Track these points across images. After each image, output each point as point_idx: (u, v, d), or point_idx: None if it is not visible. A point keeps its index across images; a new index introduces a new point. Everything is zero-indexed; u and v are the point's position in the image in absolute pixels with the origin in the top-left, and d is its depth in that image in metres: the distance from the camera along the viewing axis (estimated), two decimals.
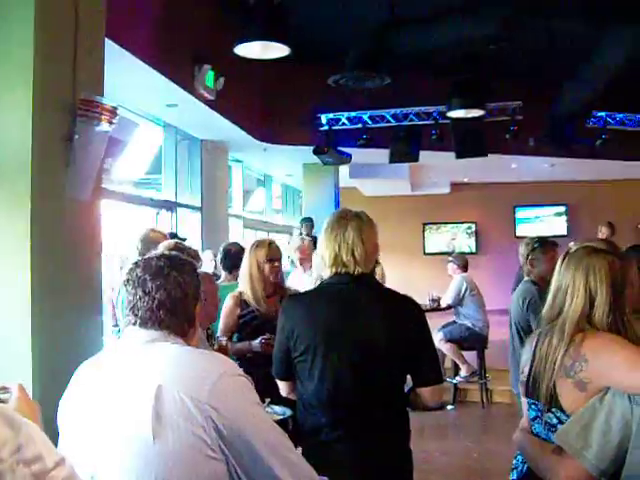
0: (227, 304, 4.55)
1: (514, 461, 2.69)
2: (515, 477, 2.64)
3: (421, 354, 2.95)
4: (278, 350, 3.00)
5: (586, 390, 2.27)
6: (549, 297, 2.53)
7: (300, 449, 2.71)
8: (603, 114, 11.01)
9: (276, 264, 4.53)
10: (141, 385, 1.84)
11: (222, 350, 4.05)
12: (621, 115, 11.12)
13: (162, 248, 4.21)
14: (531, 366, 2.50)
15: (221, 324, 4.49)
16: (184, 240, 5.65)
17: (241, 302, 4.52)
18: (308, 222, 10.92)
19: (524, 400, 2.58)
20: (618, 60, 8.13)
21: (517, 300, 5.07)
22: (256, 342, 4.31)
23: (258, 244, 4.61)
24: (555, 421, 2.36)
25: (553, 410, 2.37)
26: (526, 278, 5.17)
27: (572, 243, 2.54)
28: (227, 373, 1.88)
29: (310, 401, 2.89)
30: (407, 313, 2.98)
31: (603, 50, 7.99)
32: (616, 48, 7.77)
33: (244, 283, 4.56)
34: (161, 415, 1.78)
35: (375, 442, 2.91)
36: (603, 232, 10.84)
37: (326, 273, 3.00)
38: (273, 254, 4.54)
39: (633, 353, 2.23)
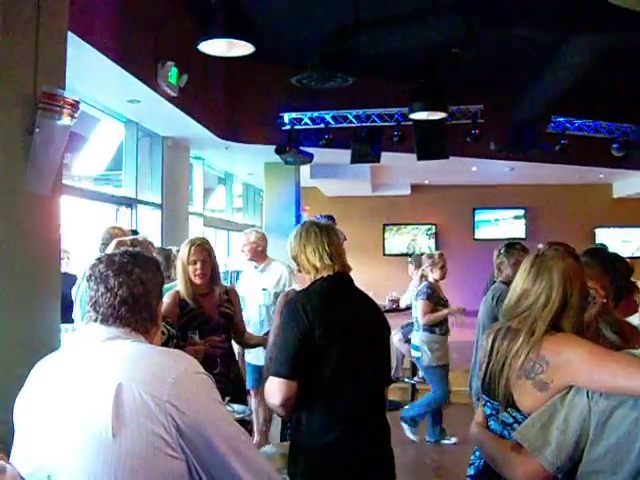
0: (165, 302, 4.39)
1: (472, 457, 2.72)
2: (472, 473, 2.67)
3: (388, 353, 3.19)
4: (290, 346, 2.87)
5: (547, 390, 2.30)
6: (513, 296, 2.54)
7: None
8: (562, 120, 11.17)
9: (198, 266, 4.41)
10: (101, 383, 1.80)
11: (194, 347, 4.02)
12: (579, 121, 11.30)
13: (114, 243, 4.18)
14: (488, 364, 2.53)
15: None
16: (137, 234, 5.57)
17: (180, 301, 4.43)
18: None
19: (481, 396, 2.62)
20: (578, 67, 8.26)
21: (487, 298, 5.17)
22: (200, 342, 4.22)
23: (186, 244, 4.51)
24: (511, 420, 2.40)
25: (509, 410, 2.41)
26: (498, 279, 5.29)
27: (541, 245, 2.56)
28: (188, 371, 1.85)
29: (328, 397, 2.88)
30: (382, 315, 3.29)
31: (563, 57, 8.11)
32: (575, 55, 7.89)
33: (178, 283, 4.52)
34: (121, 413, 1.75)
35: (383, 438, 3.08)
36: None
37: (316, 275, 3.09)
38: (194, 256, 4.42)
39: (596, 352, 2.27)
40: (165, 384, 1.78)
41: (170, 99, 7.70)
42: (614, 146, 11.51)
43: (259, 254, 6.55)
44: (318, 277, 3.05)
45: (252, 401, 6.33)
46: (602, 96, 11.19)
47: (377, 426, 3.04)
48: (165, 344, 3.77)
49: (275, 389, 2.85)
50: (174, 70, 7.49)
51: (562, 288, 2.41)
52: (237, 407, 3.61)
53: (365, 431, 2.94)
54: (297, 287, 6.66)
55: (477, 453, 2.66)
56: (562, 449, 2.21)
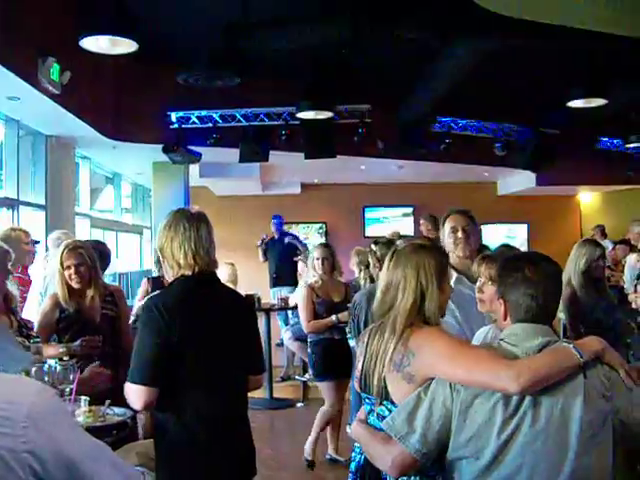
0: (45, 304, 4.36)
1: (352, 453, 2.80)
2: (353, 468, 2.75)
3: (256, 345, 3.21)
4: (148, 352, 2.82)
5: (413, 382, 2.41)
6: (378, 294, 2.64)
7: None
8: (447, 119, 11.50)
9: (72, 271, 4.29)
10: None
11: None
12: (464, 121, 11.67)
13: None
14: (363, 362, 2.62)
15: (37, 324, 4.27)
16: None
17: (59, 304, 4.32)
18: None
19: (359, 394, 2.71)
20: (461, 68, 8.53)
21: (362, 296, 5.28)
22: (76, 344, 4.13)
23: (60, 248, 4.40)
24: (387, 413, 2.48)
25: (384, 403, 2.50)
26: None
27: (400, 241, 2.67)
28: (37, 405, 1.51)
29: (191, 403, 2.87)
30: (248, 308, 3.33)
31: (447, 58, 8.35)
32: (459, 57, 8.14)
33: (56, 287, 4.39)
34: None
35: (243, 435, 3.10)
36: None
37: (178, 271, 3.01)
38: (67, 261, 4.31)
39: (454, 345, 2.41)
40: (17, 430, 1.45)
41: (52, 96, 7.48)
42: (497, 145, 11.94)
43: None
44: (179, 275, 2.98)
45: None
46: (485, 97, 11.57)
47: (237, 423, 3.05)
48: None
49: (134, 396, 2.83)
50: (56, 66, 7.26)
51: (415, 282, 2.52)
52: (118, 410, 3.55)
53: (223, 429, 2.93)
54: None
55: (357, 449, 2.74)
56: (427, 436, 2.31)
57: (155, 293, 3.26)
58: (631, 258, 8.73)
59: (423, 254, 2.57)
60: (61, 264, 4.31)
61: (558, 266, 2.51)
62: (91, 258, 4.43)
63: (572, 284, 5.29)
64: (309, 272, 6.79)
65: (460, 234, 3.96)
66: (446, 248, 3.94)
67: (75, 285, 4.32)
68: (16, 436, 1.44)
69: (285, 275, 11.20)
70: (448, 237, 4.01)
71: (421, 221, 11.02)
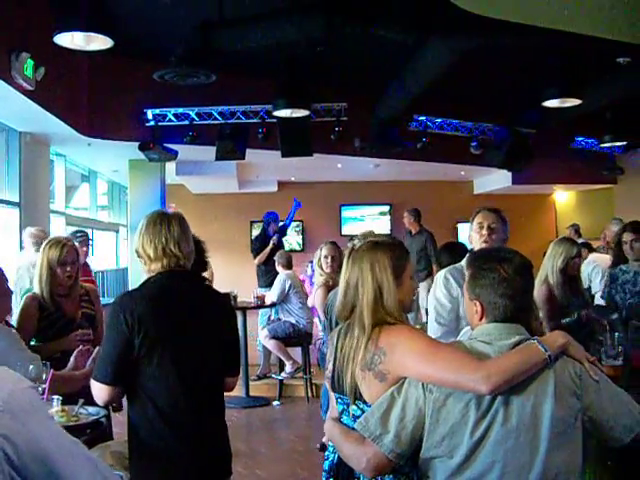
0: (26, 305, 4.28)
1: (326, 452, 2.79)
2: (327, 467, 2.73)
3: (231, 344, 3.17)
4: (111, 352, 2.85)
5: (386, 380, 2.42)
6: (340, 295, 2.66)
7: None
8: (424, 118, 11.55)
9: (68, 267, 4.29)
10: None
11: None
12: (440, 120, 11.71)
13: None
14: (334, 362, 2.62)
15: (22, 327, 4.18)
16: None
17: (40, 304, 4.27)
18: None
19: (332, 394, 2.70)
20: (436, 67, 8.55)
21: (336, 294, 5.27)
22: (69, 338, 4.12)
23: (51, 244, 4.34)
24: (359, 412, 2.49)
25: (357, 402, 2.51)
26: None
27: (356, 240, 2.68)
28: (14, 392, 1.56)
29: (159, 403, 2.85)
30: (225, 307, 3.28)
31: (422, 57, 8.37)
32: (434, 56, 8.16)
33: (36, 284, 4.32)
34: None
35: (216, 435, 3.08)
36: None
37: (151, 268, 3.00)
38: (66, 257, 4.29)
39: (426, 345, 2.41)
40: None
41: (26, 93, 7.41)
42: (473, 144, 11.99)
43: None
44: (151, 271, 2.98)
45: None
46: (461, 96, 11.64)
47: (211, 425, 3.03)
48: None
49: (97, 393, 2.87)
50: (30, 62, 7.18)
51: (371, 278, 2.53)
52: (91, 409, 3.54)
53: (196, 430, 2.92)
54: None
55: (331, 448, 2.73)
56: (401, 437, 2.32)
57: (125, 291, 3.24)
58: (592, 256, 8.91)
59: (377, 251, 2.58)
60: (57, 261, 4.26)
61: (527, 259, 2.52)
62: (79, 255, 4.45)
63: (549, 282, 5.33)
64: (316, 271, 6.74)
65: (485, 231, 4.09)
66: (472, 243, 4.20)
67: (68, 282, 4.32)
68: None
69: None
70: (475, 232, 4.15)
71: (405, 214, 11.13)
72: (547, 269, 5.38)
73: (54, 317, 4.29)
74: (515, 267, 2.43)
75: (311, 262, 10.16)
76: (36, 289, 4.32)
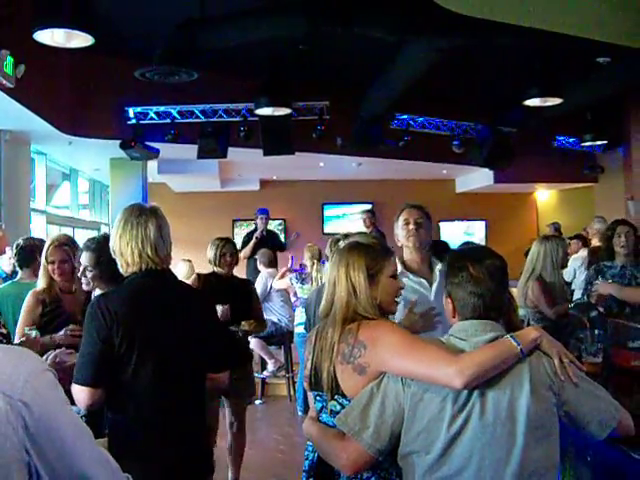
0: (28, 301, 4.34)
1: (305, 451, 2.79)
2: (307, 467, 2.74)
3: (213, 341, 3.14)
4: (91, 352, 2.82)
5: (365, 374, 2.44)
6: (325, 293, 2.71)
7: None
8: (406, 117, 11.58)
9: (55, 266, 4.35)
10: None
11: (31, 343, 3.90)
12: (422, 118, 11.76)
13: None
14: (313, 359, 2.64)
15: (20, 321, 4.27)
16: None
17: (42, 300, 4.33)
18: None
19: (310, 393, 2.71)
20: (418, 66, 8.58)
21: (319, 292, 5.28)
22: (60, 334, 4.09)
23: (47, 243, 4.45)
24: (339, 408, 2.50)
25: (336, 397, 2.52)
26: None
27: (341, 241, 2.75)
28: (38, 369, 1.71)
29: (138, 402, 2.84)
30: (203, 304, 3.22)
31: (404, 56, 8.40)
32: (416, 55, 8.19)
33: (40, 280, 4.43)
34: None
35: (195, 435, 3.04)
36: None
37: (127, 270, 2.99)
38: (52, 256, 4.36)
39: (403, 340, 2.43)
40: (17, 382, 1.62)
41: (6, 90, 7.36)
42: (454, 143, 12.05)
43: None
44: (129, 273, 2.97)
45: None
46: (443, 95, 11.68)
47: (191, 422, 3.01)
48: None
49: (78, 396, 2.82)
50: (10, 59, 7.13)
51: (345, 278, 2.60)
52: (74, 408, 3.52)
53: (175, 429, 2.91)
54: None
55: (310, 447, 2.74)
56: (380, 432, 2.34)
57: (102, 292, 3.23)
58: (583, 253, 8.96)
59: (353, 252, 2.67)
60: (46, 258, 4.36)
61: (502, 260, 2.54)
62: (75, 255, 4.44)
63: (543, 278, 5.37)
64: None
65: (411, 226, 4.02)
66: (399, 240, 4.09)
67: (58, 279, 4.37)
68: (15, 386, 1.59)
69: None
70: (401, 229, 4.08)
71: (363, 216, 11.18)
72: (541, 266, 5.42)
73: (55, 313, 4.34)
74: (486, 267, 2.45)
75: (292, 257, 10.28)
76: (38, 285, 4.42)
